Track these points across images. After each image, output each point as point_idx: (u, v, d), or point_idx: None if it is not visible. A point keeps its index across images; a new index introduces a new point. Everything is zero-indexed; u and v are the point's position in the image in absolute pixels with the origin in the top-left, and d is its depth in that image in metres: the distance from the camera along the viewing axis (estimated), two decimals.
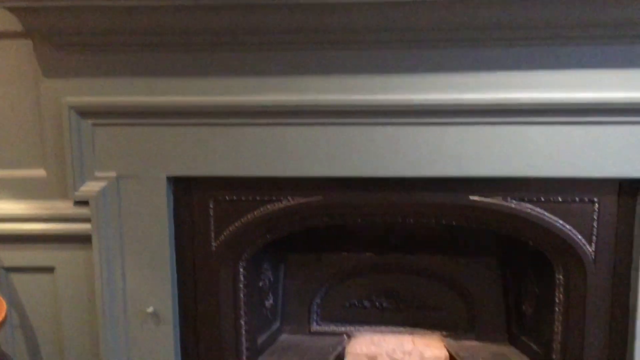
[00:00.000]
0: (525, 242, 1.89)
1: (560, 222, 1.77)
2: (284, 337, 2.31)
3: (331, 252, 2.31)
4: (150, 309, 1.90)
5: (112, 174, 1.84)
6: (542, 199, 1.77)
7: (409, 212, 1.88)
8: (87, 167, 1.83)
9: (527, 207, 1.78)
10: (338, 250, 2.31)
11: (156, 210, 1.86)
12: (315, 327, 2.34)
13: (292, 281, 2.33)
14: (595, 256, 1.78)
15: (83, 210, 1.85)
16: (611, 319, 1.83)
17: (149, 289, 1.90)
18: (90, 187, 1.83)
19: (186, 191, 1.89)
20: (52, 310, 1.96)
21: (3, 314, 1.69)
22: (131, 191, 1.85)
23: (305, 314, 2.33)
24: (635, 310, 1.77)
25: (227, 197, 1.88)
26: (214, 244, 1.91)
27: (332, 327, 2.33)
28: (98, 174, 1.84)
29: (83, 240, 1.87)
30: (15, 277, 1.95)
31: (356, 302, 2.33)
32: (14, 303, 1.95)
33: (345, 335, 2.30)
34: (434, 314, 2.29)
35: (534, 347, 2.04)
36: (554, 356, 1.89)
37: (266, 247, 2.03)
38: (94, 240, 1.85)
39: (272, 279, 2.23)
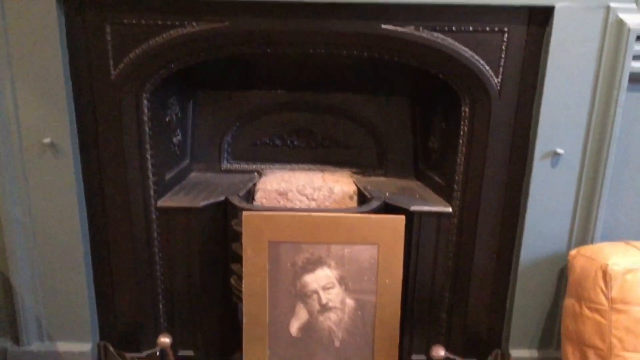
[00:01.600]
0: (435, 78, 1.88)
1: (470, 52, 1.75)
2: (193, 174, 2.29)
3: (242, 90, 2.26)
4: (47, 140, 1.80)
5: None
6: (454, 29, 1.73)
7: (319, 42, 1.80)
8: None
9: (439, 37, 1.75)
10: (249, 88, 2.26)
11: (46, 33, 1.72)
12: (225, 165, 2.33)
13: (202, 119, 2.28)
14: (500, 87, 1.80)
15: None
16: (511, 151, 1.88)
17: (44, 119, 1.79)
18: None
19: (79, 12, 1.74)
20: None
21: None
22: (17, 10, 1.69)
23: (215, 152, 2.31)
24: (534, 141, 1.82)
25: (125, 21, 1.74)
26: (113, 72, 1.80)
27: (243, 165, 2.33)
28: None
29: None
30: None
31: (267, 140, 2.32)
32: None
33: (256, 173, 2.31)
34: (345, 151, 2.33)
35: (438, 179, 2.11)
36: (455, 187, 1.95)
37: (172, 80, 1.93)
38: None
39: (180, 114, 2.15)
